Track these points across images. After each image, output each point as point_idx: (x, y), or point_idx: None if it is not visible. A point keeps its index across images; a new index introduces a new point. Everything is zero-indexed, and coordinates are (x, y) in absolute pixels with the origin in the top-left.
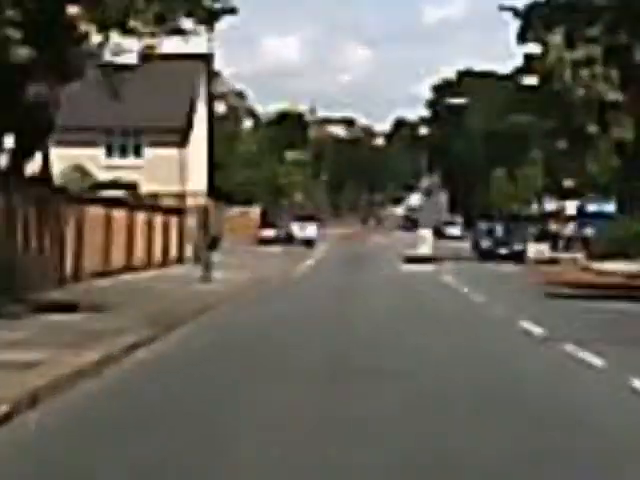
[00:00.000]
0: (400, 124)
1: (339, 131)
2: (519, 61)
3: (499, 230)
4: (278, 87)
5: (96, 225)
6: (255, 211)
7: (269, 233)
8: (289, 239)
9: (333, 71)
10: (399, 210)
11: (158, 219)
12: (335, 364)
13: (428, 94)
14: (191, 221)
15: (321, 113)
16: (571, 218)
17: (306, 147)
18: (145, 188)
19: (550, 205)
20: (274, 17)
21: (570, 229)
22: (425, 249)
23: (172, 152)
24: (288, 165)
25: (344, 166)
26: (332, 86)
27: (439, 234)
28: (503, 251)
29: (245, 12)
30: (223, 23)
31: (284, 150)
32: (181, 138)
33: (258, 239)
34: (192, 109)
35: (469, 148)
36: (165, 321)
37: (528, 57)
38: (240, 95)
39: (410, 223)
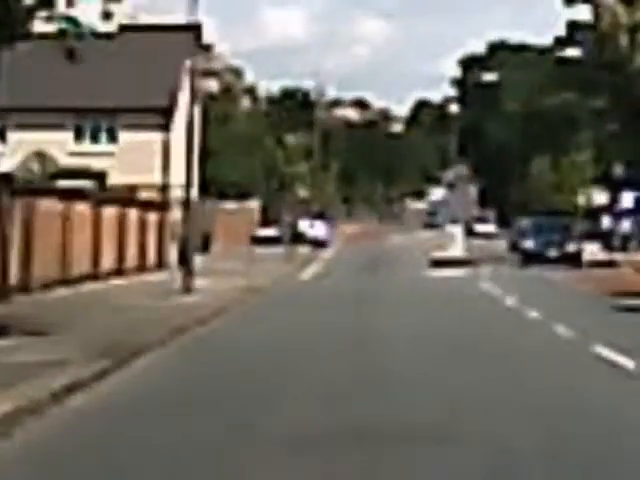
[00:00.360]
0: (422, 106)
1: (351, 114)
2: (561, 31)
3: (547, 228)
4: (282, 65)
5: (51, 222)
6: (254, 206)
7: (270, 232)
8: (295, 239)
9: (344, 47)
10: (420, 205)
11: (132, 215)
12: (347, 433)
13: (454, 71)
14: (176, 218)
15: (331, 94)
16: (627, 212)
17: (312, 131)
18: (121, 179)
19: (600, 197)
20: None
21: (627, 226)
22: (456, 250)
23: (153, 137)
24: (290, 150)
25: (357, 155)
26: (343, 64)
27: (469, 232)
28: (553, 253)
29: None
30: None
31: (285, 134)
32: (164, 120)
33: (257, 239)
34: (177, 87)
35: (504, 133)
36: (123, 349)
37: (573, 25)
38: (237, 72)
39: (434, 220)
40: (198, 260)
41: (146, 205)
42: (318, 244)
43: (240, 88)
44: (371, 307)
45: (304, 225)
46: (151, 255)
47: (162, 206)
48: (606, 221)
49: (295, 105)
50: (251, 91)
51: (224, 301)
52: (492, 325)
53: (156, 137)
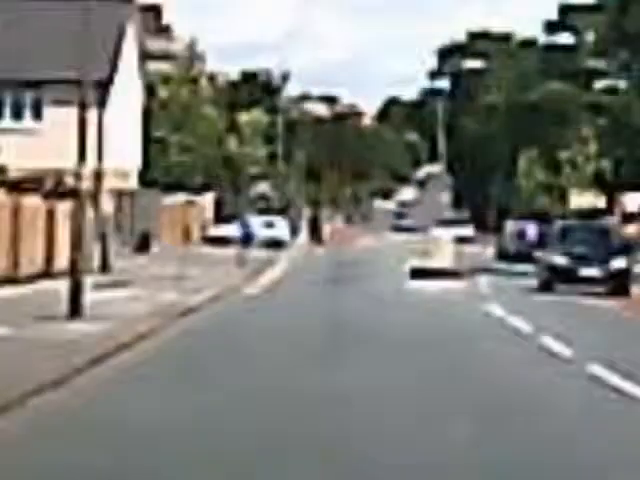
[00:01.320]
0: (392, 103)
1: (320, 109)
2: (538, 26)
3: (582, 235)
4: (248, 62)
5: None
6: (207, 200)
7: (224, 231)
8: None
9: (315, 45)
10: (389, 205)
11: (29, 205)
12: None
13: (428, 66)
14: (107, 211)
15: (299, 89)
16: (631, 217)
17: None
18: (44, 162)
19: (599, 200)
20: None
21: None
22: (444, 259)
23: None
24: (243, 129)
25: (324, 151)
26: (313, 62)
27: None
28: (593, 272)
29: None
30: None
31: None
32: (99, 96)
33: (210, 238)
34: (116, 58)
35: (483, 127)
36: None
37: (565, 9)
38: (198, 58)
39: (403, 222)
40: (129, 264)
41: (61, 196)
42: (275, 244)
43: (199, 72)
44: (338, 337)
45: (258, 223)
46: (63, 257)
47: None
48: (630, 229)
49: (257, 90)
50: (212, 78)
51: (133, 330)
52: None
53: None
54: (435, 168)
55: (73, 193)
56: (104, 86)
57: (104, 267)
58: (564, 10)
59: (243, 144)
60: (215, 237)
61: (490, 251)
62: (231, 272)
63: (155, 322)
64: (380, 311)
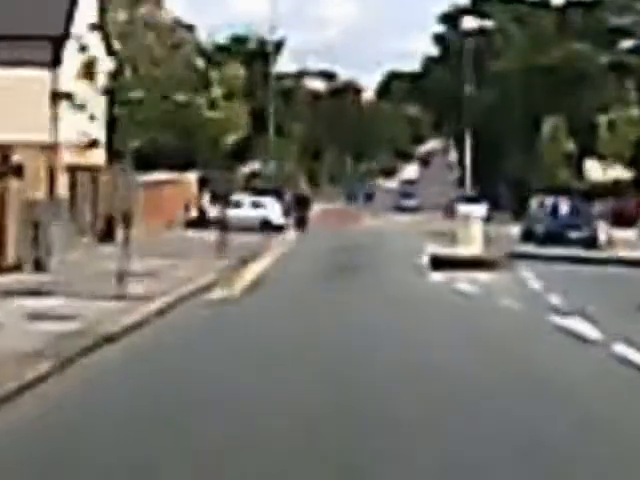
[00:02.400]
0: (393, 78)
1: (318, 85)
2: None
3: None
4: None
5: None
6: (191, 179)
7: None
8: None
9: (312, 26)
10: (392, 184)
11: None
12: None
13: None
14: (61, 193)
15: (295, 66)
16: None
17: (266, 89)
18: None
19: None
20: None
21: None
22: (473, 245)
23: (36, 75)
24: (218, 88)
25: (323, 127)
26: (310, 42)
27: (450, 212)
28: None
29: None
30: None
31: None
32: (51, 54)
33: (193, 222)
34: (72, 10)
35: (496, 95)
36: None
37: None
38: (189, 28)
39: (409, 203)
40: (81, 258)
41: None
42: (268, 227)
43: (181, 36)
44: (347, 372)
45: (246, 204)
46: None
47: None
48: None
49: (246, 56)
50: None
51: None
52: None
53: (40, 76)
54: (439, 144)
55: (19, 171)
56: (58, 42)
57: (37, 265)
58: None
59: (215, 107)
60: (216, 218)
61: (511, 231)
62: (206, 265)
63: (26, 372)
64: (410, 338)
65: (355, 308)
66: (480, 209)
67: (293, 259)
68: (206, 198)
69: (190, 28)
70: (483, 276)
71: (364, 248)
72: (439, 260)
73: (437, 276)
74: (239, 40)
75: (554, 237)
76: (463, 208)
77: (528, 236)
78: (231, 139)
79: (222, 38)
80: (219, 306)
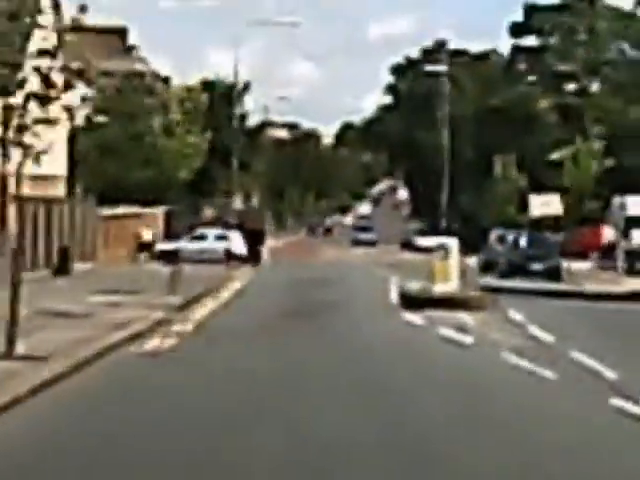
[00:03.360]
0: (347, 128)
1: (282, 134)
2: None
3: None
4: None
5: None
6: (156, 214)
7: (169, 246)
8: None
9: (275, 86)
10: (347, 220)
11: None
12: None
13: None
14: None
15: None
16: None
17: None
18: None
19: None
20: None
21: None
22: (451, 280)
23: None
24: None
25: (287, 170)
26: (274, 101)
27: (406, 245)
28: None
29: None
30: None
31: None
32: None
33: (156, 253)
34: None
35: (449, 137)
36: None
37: (531, 8)
38: (165, 80)
39: (365, 237)
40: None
41: None
42: (236, 259)
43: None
44: None
45: (211, 236)
46: None
47: None
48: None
49: (217, 99)
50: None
51: None
52: None
53: None
54: (390, 183)
55: None
56: (12, 67)
57: None
58: (529, 12)
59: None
60: (161, 252)
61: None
62: (152, 303)
63: None
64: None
65: (317, 368)
66: (435, 241)
67: (250, 295)
68: (147, 231)
69: (166, 80)
70: (467, 318)
71: (326, 282)
72: (411, 298)
73: (412, 317)
74: (207, 84)
75: (517, 269)
76: (421, 241)
77: (487, 268)
78: (188, 171)
79: (192, 82)
80: (146, 364)
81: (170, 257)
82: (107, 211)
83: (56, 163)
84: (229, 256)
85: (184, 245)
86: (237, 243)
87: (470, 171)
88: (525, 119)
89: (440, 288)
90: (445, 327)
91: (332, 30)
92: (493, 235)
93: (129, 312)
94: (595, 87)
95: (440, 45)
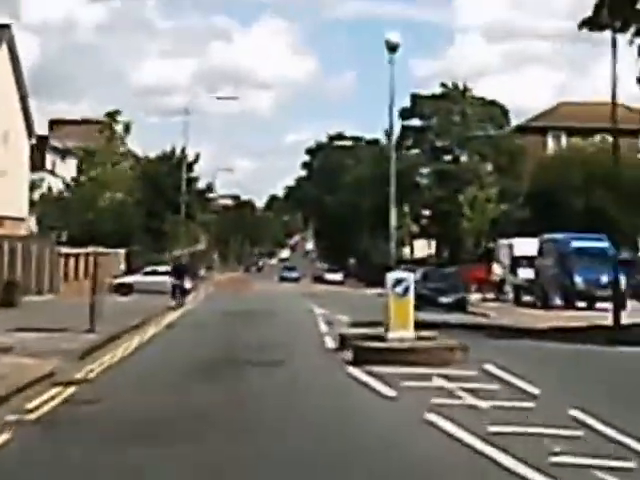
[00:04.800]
0: (274, 198)
1: (226, 202)
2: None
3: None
4: None
5: None
6: (118, 254)
7: (125, 279)
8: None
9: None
10: (273, 261)
11: None
12: None
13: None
14: None
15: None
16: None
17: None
18: None
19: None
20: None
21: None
22: (405, 326)
23: None
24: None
25: (231, 226)
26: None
27: (318, 279)
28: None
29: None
30: None
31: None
32: None
33: (114, 286)
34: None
35: (345, 200)
36: None
37: (416, 97)
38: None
39: (290, 274)
40: None
41: None
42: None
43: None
44: None
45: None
46: None
47: None
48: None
49: (171, 167)
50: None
51: None
52: None
53: None
54: (302, 235)
55: None
56: None
57: None
58: (414, 100)
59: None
60: (118, 284)
61: (365, 292)
62: (60, 344)
63: None
64: None
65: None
66: (339, 276)
67: (178, 333)
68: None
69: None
70: (446, 383)
71: (259, 315)
72: (358, 348)
73: (370, 380)
74: (166, 155)
75: (427, 301)
76: (329, 276)
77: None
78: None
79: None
80: None
81: (125, 289)
82: (79, 250)
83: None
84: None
85: (138, 278)
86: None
87: (369, 222)
88: (412, 182)
89: (395, 334)
90: (435, 406)
91: (261, 137)
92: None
93: (23, 358)
94: (464, 157)
95: (340, 135)
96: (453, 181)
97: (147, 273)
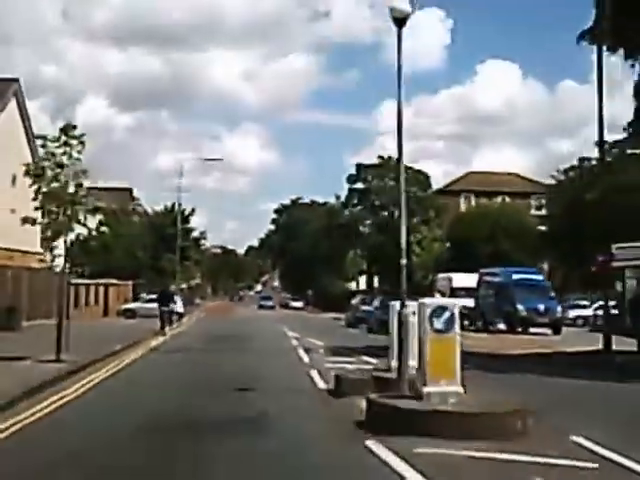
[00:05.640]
0: (251, 248)
1: (215, 250)
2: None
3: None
4: None
5: None
6: (129, 284)
7: (130, 305)
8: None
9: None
10: (251, 293)
11: None
12: None
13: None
14: None
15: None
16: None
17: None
18: None
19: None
20: None
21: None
22: (453, 379)
23: None
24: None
25: (219, 268)
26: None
27: (286, 306)
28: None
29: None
30: None
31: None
32: None
33: (121, 311)
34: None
35: (303, 247)
36: None
37: (360, 166)
38: (145, 213)
39: (267, 303)
40: None
41: None
42: (177, 315)
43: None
44: None
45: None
46: None
47: None
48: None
49: (173, 219)
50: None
51: None
52: None
53: None
54: (271, 275)
55: None
56: None
57: None
58: (359, 168)
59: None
60: (125, 309)
61: (323, 316)
62: (28, 375)
63: None
64: None
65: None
66: (300, 303)
67: (152, 364)
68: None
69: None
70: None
71: (239, 342)
72: (379, 407)
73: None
74: (167, 209)
75: (386, 326)
76: (293, 303)
77: (355, 324)
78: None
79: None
80: None
81: (129, 313)
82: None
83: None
84: (172, 312)
85: (140, 305)
86: (178, 304)
87: (326, 262)
88: (357, 232)
89: (435, 388)
90: None
91: (242, 206)
92: (356, 299)
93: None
94: (397, 213)
95: (299, 198)
96: (390, 230)
97: (147, 301)
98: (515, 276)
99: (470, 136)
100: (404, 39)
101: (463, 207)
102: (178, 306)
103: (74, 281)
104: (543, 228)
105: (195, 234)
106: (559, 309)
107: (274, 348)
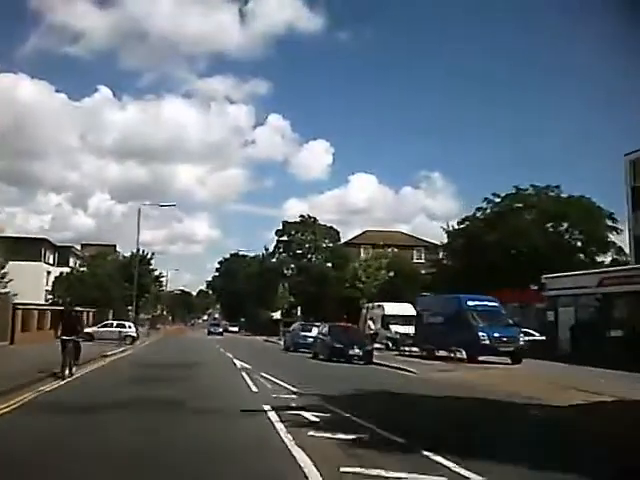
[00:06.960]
0: (202, 291)
1: (176, 291)
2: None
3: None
4: None
5: None
6: (90, 312)
7: (86, 329)
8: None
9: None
10: (200, 321)
11: None
12: None
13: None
14: None
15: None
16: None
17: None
18: None
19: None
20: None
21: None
22: None
23: None
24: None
25: (177, 304)
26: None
27: (225, 330)
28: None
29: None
30: None
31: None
32: None
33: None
34: None
35: (241, 286)
36: None
37: (285, 223)
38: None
39: (216, 328)
40: None
41: None
42: (130, 339)
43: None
44: None
45: (114, 323)
46: None
47: None
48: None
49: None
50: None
51: None
52: None
53: None
54: (214, 308)
55: None
56: None
57: None
58: (285, 224)
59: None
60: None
61: (258, 339)
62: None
63: None
64: None
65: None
66: (236, 328)
67: (85, 389)
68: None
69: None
70: None
71: (183, 372)
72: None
73: None
74: (133, 255)
75: (338, 353)
76: (231, 328)
77: (291, 349)
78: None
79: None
80: None
81: (88, 336)
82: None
83: None
84: (125, 337)
85: (96, 329)
86: (131, 329)
87: (258, 296)
88: (282, 274)
89: None
90: None
91: (195, 265)
92: (295, 325)
93: None
94: (314, 258)
95: (237, 252)
96: (309, 272)
97: (102, 325)
98: (470, 302)
99: (345, 221)
100: (305, 159)
101: (363, 255)
102: (132, 331)
103: (22, 307)
104: (424, 272)
105: (156, 273)
106: (521, 336)
107: (224, 385)
